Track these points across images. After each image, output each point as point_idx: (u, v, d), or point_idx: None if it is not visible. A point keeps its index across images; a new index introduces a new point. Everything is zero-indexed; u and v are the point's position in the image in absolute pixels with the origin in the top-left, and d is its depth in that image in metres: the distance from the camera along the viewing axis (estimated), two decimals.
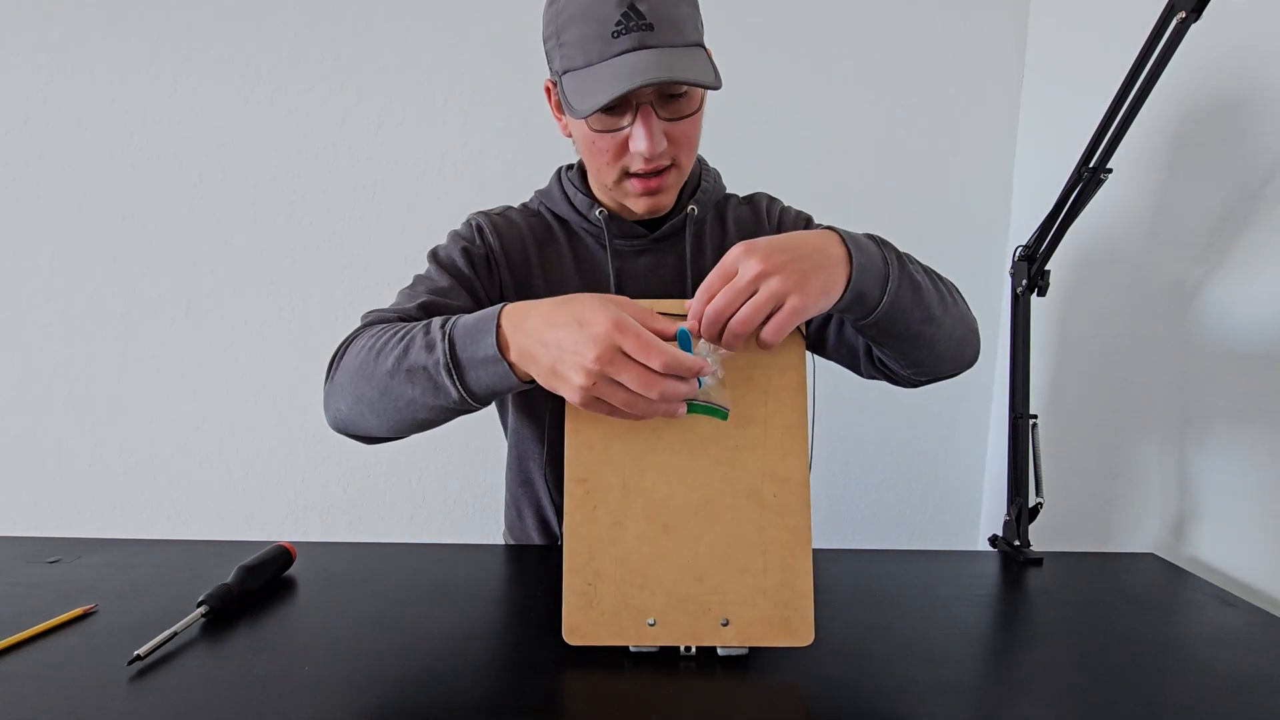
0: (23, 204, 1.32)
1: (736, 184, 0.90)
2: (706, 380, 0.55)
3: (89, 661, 0.58)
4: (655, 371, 0.50)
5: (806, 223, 0.87)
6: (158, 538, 0.87)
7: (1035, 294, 0.91)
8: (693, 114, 0.70)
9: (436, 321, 0.60)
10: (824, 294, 0.57)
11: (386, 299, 0.76)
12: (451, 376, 0.57)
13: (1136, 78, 0.78)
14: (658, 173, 0.72)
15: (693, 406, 0.59)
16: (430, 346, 0.58)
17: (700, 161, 0.87)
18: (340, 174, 1.33)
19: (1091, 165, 0.82)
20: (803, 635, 0.59)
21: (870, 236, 0.64)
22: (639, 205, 0.75)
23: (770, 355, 0.60)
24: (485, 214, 0.84)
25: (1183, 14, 0.72)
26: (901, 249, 0.67)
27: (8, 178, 1.31)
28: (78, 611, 0.66)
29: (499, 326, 0.56)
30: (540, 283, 0.82)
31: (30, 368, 1.36)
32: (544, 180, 0.87)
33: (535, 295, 0.81)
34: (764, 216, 0.86)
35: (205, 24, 1.29)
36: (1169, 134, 0.97)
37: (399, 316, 0.70)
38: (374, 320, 0.69)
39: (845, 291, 0.59)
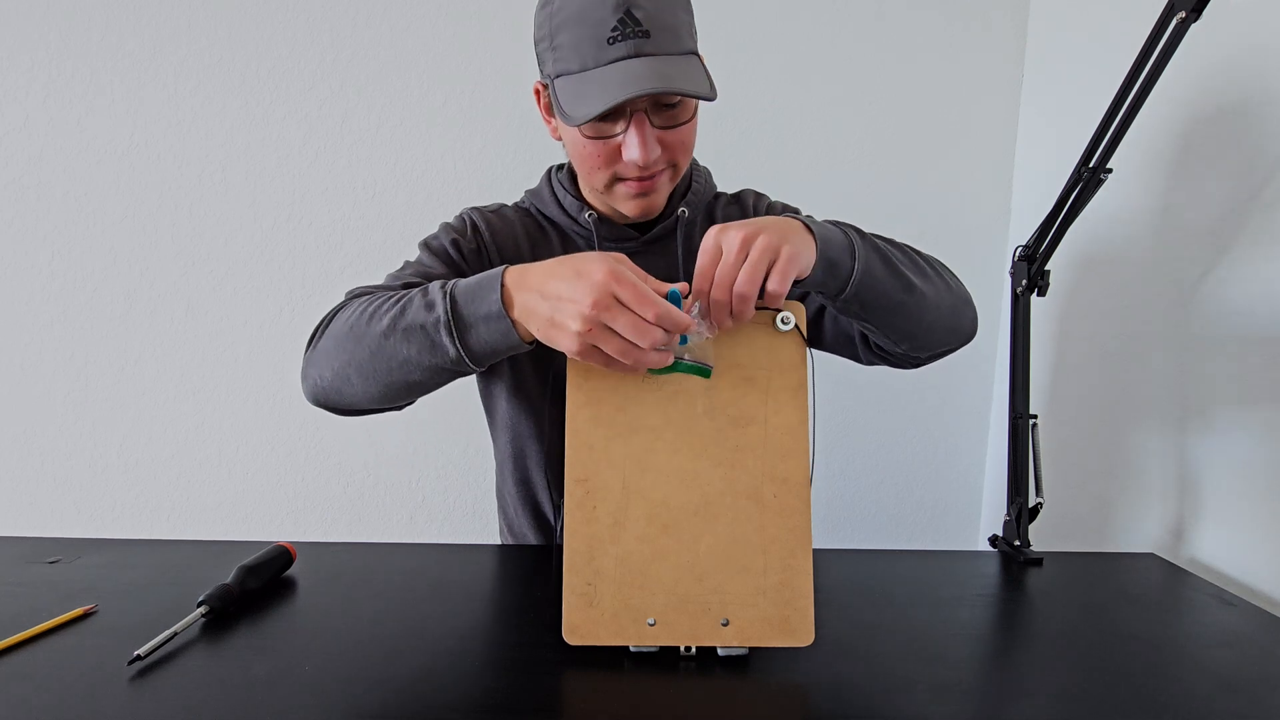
0: (23, 204, 1.32)
1: (735, 184, 0.90)
2: (693, 337, 0.57)
3: (89, 661, 0.58)
4: (647, 321, 0.52)
5: (795, 213, 0.87)
6: (158, 538, 0.87)
7: (1035, 294, 0.91)
8: (687, 121, 0.70)
9: (435, 284, 0.60)
10: (806, 248, 0.58)
11: None
12: (451, 335, 0.57)
13: (1136, 78, 0.78)
14: (651, 175, 0.71)
15: (679, 365, 0.59)
16: (430, 306, 0.58)
17: (691, 161, 0.86)
18: (340, 174, 1.33)
19: (1091, 165, 0.82)
20: (803, 635, 0.59)
21: (827, 220, 0.65)
22: (630, 208, 0.74)
23: (770, 355, 0.60)
24: (478, 209, 0.84)
25: (1183, 14, 0.72)
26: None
27: (8, 178, 1.31)
28: (78, 611, 0.66)
29: (503, 284, 0.57)
30: None
31: (30, 368, 1.36)
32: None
33: None
34: (751, 212, 0.86)
35: (205, 24, 1.29)
36: (1169, 134, 0.97)
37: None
38: (360, 293, 0.68)
39: (816, 259, 0.60)
